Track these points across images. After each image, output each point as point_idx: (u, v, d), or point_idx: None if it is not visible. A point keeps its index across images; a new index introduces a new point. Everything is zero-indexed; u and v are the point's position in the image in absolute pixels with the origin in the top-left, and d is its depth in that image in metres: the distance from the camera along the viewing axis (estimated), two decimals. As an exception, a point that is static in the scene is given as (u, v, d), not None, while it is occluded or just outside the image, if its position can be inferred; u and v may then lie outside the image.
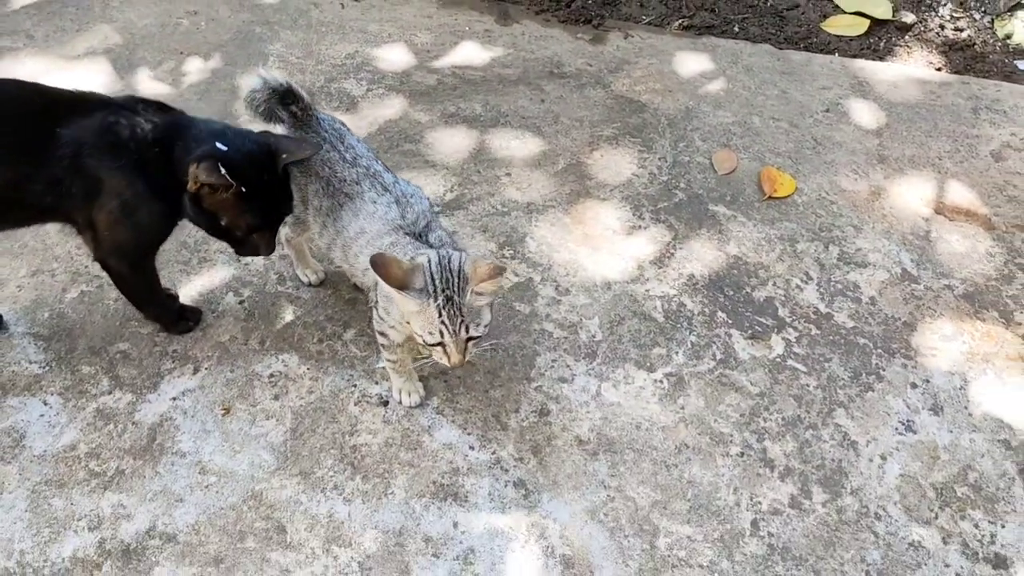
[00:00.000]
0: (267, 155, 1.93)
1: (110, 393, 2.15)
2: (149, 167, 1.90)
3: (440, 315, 1.77)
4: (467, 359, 1.85)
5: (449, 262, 1.79)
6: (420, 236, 1.92)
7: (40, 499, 1.95)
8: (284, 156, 1.94)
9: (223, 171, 1.83)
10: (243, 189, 1.88)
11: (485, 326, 1.83)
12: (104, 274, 2.35)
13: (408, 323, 1.86)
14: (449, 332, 1.79)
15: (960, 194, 2.82)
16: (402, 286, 1.75)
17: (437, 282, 1.76)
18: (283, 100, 2.09)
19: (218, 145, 1.89)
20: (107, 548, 1.89)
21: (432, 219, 1.98)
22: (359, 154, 2.07)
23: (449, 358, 1.84)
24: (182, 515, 1.95)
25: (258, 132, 2.00)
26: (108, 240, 1.98)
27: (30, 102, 1.91)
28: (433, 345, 1.83)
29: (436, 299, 1.76)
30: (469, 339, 1.82)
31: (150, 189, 1.92)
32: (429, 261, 1.79)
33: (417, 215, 1.97)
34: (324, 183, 2.05)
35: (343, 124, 2.17)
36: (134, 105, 1.95)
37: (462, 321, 1.78)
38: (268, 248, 2.04)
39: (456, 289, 1.77)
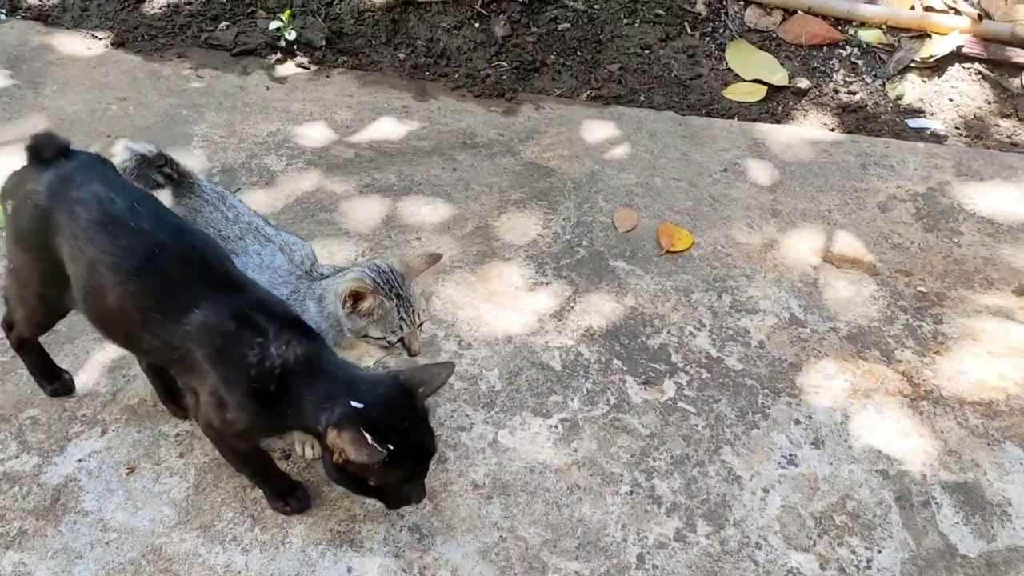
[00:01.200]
0: (403, 394, 1.83)
1: (17, 457, 2.21)
2: (262, 392, 1.80)
3: (399, 312, 1.97)
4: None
5: (380, 267, 2.01)
6: (310, 273, 2.07)
7: (-59, 560, 2.00)
8: (422, 390, 1.85)
9: (370, 440, 1.72)
10: (390, 447, 1.75)
11: (425, 307, 2.06)
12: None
13: (363, 337, 2.02)
14: (408, 324, 1.99)
15: (847, 243, 2.99)
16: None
17: (387, 289, 1.97)
18: (155, 165, 2.26)
19: (353, 404, 1.77)
20: (5, 605, 1.94)
21: (315, 260, 2.13)
22: (240, 212, 2.24)
23: (410, 348, 2.03)
24: (81, 571, 2.00)
25: (385, 371, 1.92)
26: (203, 420, 1.94)
27: (190, 262, 1.86)
28: (395, 343, 2.01)
29: (391, 299, 1.97)
30: (419, 325, 2.04)
31: (259, 407, 1.83)
32: (366, 274, 1.99)
33: (302, 257, 2.14)
34: None
35: (223, 188, 2.36)
36: (271, 311, 1.84)
37: (413, 310, 2.00)
38: (419, 496, 1.94)
39: (400, 286, 2.00)
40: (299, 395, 1.81)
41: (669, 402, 2.44)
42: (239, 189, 3.05)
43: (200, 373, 1.85)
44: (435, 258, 2.10)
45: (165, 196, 2.28)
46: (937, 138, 3.55)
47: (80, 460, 2.21)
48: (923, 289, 2.82)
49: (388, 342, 2.02)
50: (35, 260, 2.00)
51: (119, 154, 2.28)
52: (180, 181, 2.29)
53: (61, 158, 1.96)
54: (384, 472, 1.80)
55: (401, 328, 1.99)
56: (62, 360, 2.43)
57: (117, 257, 1.83)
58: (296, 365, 1.80)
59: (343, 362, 1.89)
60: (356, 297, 1.97)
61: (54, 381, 2.34)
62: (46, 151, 1.96)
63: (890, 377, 2.54)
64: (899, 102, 3.72)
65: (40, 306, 2.12)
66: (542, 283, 2.79)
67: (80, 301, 1.95)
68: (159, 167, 2.27)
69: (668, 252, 2.92)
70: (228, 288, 1.85)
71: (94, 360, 2.45)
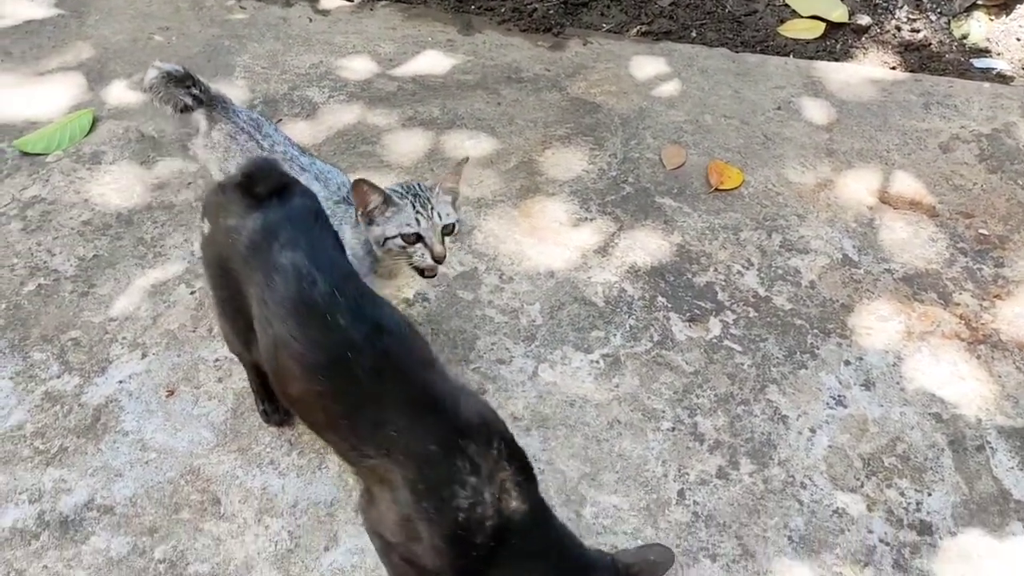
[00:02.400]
0: None
1: (59, 377, 2.22)
2: (467, 542, 1.52)
3: (414, 207, 1.94)
4: (447, 255, 1.98)
5: (403, 181, 2.01)
6: (346, 200, 2.03)
7: (-16, 475, 2.02)
8: None
9: None
10: None
11: (455, 215, 2.00)
12: (61, 269, 2.45)
13: (385, 244, 1.96)
14: (424, 218, 1.94)
15: (906, 184, 2.87)
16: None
17: (404, 191, 1.98)
18: (182, 84, 2.26)
19: None
20: (46, 519, 1.95)
21: (350, 187, 2.09)
22: (275, 140, 2.20)
23: (432, 250, 1.95)
24: (120, 489, 2.01)
25: (598, 552, 1.65)
26: (377, 529, 1.67)
27: (385, 373, 1.59)
28: (413, 243, 1.95)
29: (407, 198, 1.95)
30: (445, 232, 1.97)
31: (458, 557, 1.54)
32: (393, 185, 2.01)
33: (338, 185, 2.09)
34: None
35: (260, 115, 2.32)
36: (481, 436, 1.56)
37: (433, 208, 1.95)
38: None
39: (420, 190, 1.98)
40: (510, 562, 1.54)
41: (714, 340, 2.38)
42: (280, 120, 3.01)
43: (395, 493, 1.57)
44: (462, 164, 2.05)
45: (198, 120, 2.30)
46: (1003, 79, 3.39)
47: (120, 382, 2.22)
48: (984, 232, 2.70)
49: (404, 243, 1.95)
50: (222, 299, 1.83)
51: (148, 75, 2.27)
52: (212, 104, 2.26)
53: (275, 198, 1.74)
54: None
55: (417, 222, 1.93)
56: (102, 286, 2.44)
57: (305, 349, 1.59)
58: (514, 523, 1.53)
59: (561, 529, 1.62)
60: (361, 195, 1.93)
61: (266, 402, 2.13)
62: (260, 185, 1.74)
63: (947, 320, 2.44)
64: (964, 41, 3.55)
65: (229, 336, 1.94)
66: (586, 219, 2.72)
67: (265, 363, 1.73)
68: (186, 87, 2.25)
69: (717, 190, 2.83)
70: (429, 405, 1.57)
71: (135, 285, 2.44)
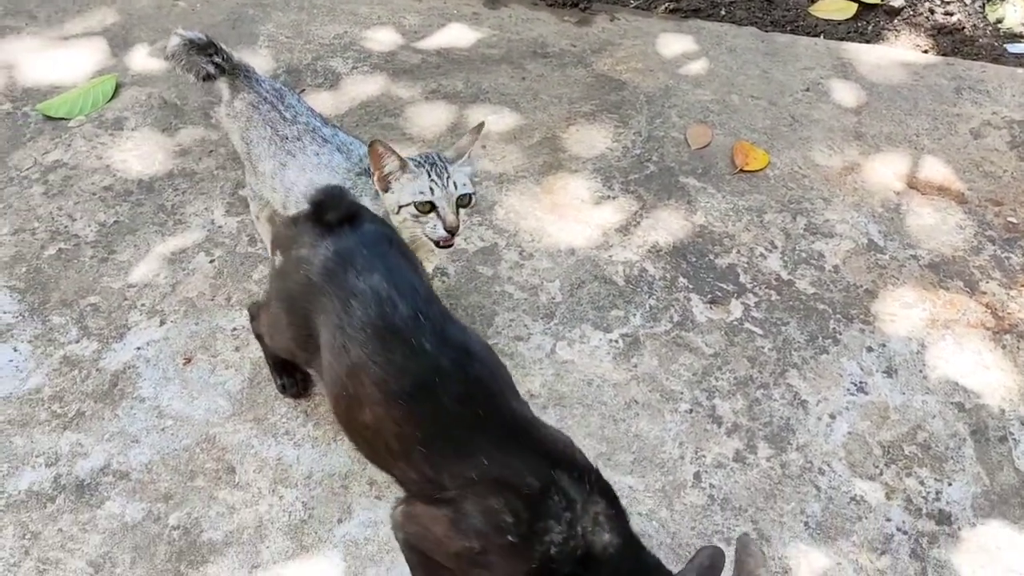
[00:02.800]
0: None
1: (78, 342, 2.23)
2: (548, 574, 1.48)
3: (429, 175, 1.93)
4: (461, 227, 1.96)
5: (423, 151, 2.03)
6: (368, 172, 2.01)
7: (1, 437, 2.03)
8: None
9: None
10: None
11: (471, 186, 1.98)
12: (82, 234, 2.45)
13: (399, 213, 1.95)
14: (439, 187, 1.92)
15: (935, 169, 2.82)
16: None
17: (422, 159, 1.97)
18: (204, 52, 2.21)
19: None
20: (62, 483, 1.96)
21: None
22: (298, 111, 2.17)
23: (444, 220, 1.94)
24: (136, 455, 2.02)
25: None
26: (419, 537, 1.61)
27: (474, 399, 1.55)
28: (427, 212, 1.93)
29: (423, 167, 1.94)
30: (460, 203, 1.96)
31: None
32: (413, 155, 2.01)
33: (360, 156, 2.07)
34: (267, 143, 2.15)
35: (283, 85, 2.28)
36: (571, 467, 1.52)
37: (449, 177, 1.94)
38: None
39: (437, 159, 1.97)
40: None
41: (735, 322, 2.35)
42: (303, 90, 2.99)
43: (462, 520, 1.50)
44: (478, 128, 2.05)
45: (221, 88, 2.26)
46: (1038, 64, 3.32)
47: (138, 348, 2.22)
48: (1014, 220, 2.65)
49: (418, 211, 1.92)
50: (291, 325, 1.78)
51: (170, 42, 2.23)
52: (235, 73, 2.23)
53: (346, 225, 1.72)
54: None
55: (432, 190, 1.91)
56: (122, 252, 2.44)
57: (387, 374, 1.55)
58: (606, 557, 1.48)
59: (653, 560, 1.56)
60: (376, 157, 1.91)
61: (283, 376, 2.12)
62: (331, 213, 1.71)
63: (973, 308, 2.40)
64: (999, 25, 3.48)
65: (286, 352, 1.92)
66: (609, 197, 2.69)
67: (328, 386, 1.70)
68: (208, 55, 2.21)
69: (742, 171, 2.79)
70: (521, 434, 1.54)
71: (154, 252, 2.44)
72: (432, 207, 1.93)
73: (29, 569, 1.82)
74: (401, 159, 1.93)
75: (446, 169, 1.95)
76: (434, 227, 1.94)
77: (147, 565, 1.83)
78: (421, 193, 1.92)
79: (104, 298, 2.33)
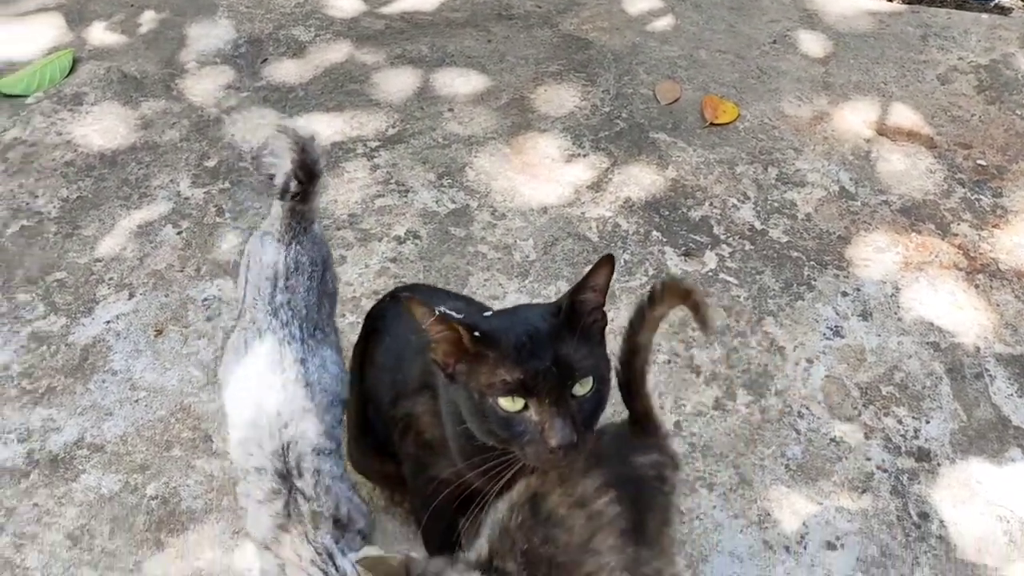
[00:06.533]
0: None
1: (45, 318, 2.19)
2: None
3: None
4: None
5: None
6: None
7: (-29, 415, 2.00)
8: None
9: None
10: None
11: None
12: (45, 210, 2.40)
13: None
14: None
15: (904, 116, 2.82)
16: None
17: None
18: (307, 166, 1.60)
19: None
20: (35, 458, 1.93)
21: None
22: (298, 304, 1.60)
23: None
24: (111, 427, 1.99)
25: None
26: None
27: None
28: None
29: None
30: None
31: None
32: None
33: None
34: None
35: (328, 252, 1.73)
36: None
37: None
38: None
39: None
40: None
41: (710, 273, 2.35)
42: (266, 60, 2.94)
43: None
44: None
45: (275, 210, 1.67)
46: (1002, 10, 3.33)
47: (108, 322, 2.18)
48: (983, 162, 2.66)
49: None
50: None
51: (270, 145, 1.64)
52: (303, 213, 1.62)
53: None
54: None
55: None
56: (87, 227, 2.40)
57: None
58: None
59: None
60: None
61: None
62: None
63: (945, 250, 2.41)
64: (963, -27, 3.48)
65: None
66: (579, 155, 2.67)
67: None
68: (309, 170, 1.60)
69: (712, 124, 2.78)
70: None
71: (120, 226, 2.40)
72: None
73: (5, 544, 1.79)
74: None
75: None
76: None
77: (126, 535, 1.81)
78: None
79: (70, 273, 2.29)
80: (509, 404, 1.25)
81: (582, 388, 1.28)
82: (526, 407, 1.26)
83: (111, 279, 2.28)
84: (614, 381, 1.42)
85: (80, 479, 1.89)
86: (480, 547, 1.32)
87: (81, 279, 2.27)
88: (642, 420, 1.47)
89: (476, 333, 1.27)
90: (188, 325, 2.18)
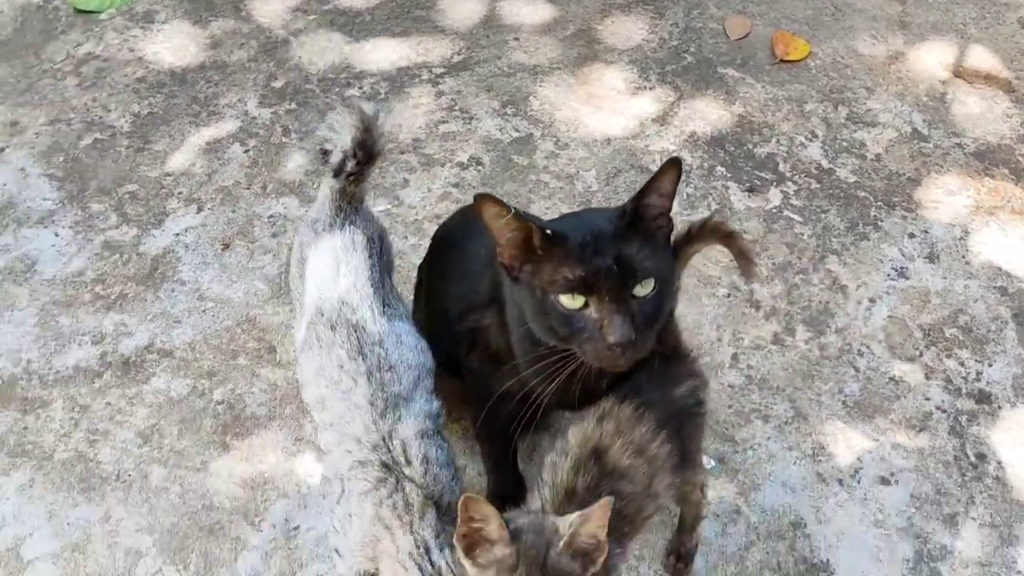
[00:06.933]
0: None
1: (117, 228, 2.25)
2: None
3: None
4: None
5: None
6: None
7: (48, 317, 2.07)
8: None
9: None
10: None
11: None
12: (117, 125, 2.45)
13: None
14: None
15: (982, 58, 2.74)
16: None
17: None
18: (363, 138, 1.57)
19: None
20: (108, 360, 2.00)
21: None
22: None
23: None
24: (179, 334, 2.05)
25: None
26: None
27: None
28: None
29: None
30: None
31: None
32: None
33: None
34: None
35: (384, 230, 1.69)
36: None
37: None
38: None
39: None
40: None
41: (774, 210, 2.32)
42: (333, -16, 2.94)
43: None
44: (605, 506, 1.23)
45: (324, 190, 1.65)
46: (1093, -47, 3.18)
47: (177, 234, 2.24)
48: (1063, 108, 2.58)
49: None
50: None
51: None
52: (353, 194, 1.60)
53: None
54: None
55: None
56: (157, 142, 2.44)
57: None
58: None
59: None
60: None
61: None
62: None
63: (1018, 196, 2.36)
64: (1053, -86, 3.33)
65: None
66: (645, 88, 2.64)
67: None
68: (367, 149, 1.57)
69: (782, 61, 2.72)
70: None
71: (189, 142, 2.44)
72: None
73: (79, 439, 1.87)
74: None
75: None
76: None
77: (194, 436, 1.87)
78: None
79: (141, 186, 2.34)
80: (569, 301, 1.27)
81: (643, 289, 1.29)
82: (586, 305, 1.28)
83: (180, 193, 2.32)
84: None
85: (150, 382, 1.96)
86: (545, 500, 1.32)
87: (152, 192, 2.32)
88: (671, 350, 1.48)
89: (547, 232, 1.28)
90: (254, 240, 2.23)
